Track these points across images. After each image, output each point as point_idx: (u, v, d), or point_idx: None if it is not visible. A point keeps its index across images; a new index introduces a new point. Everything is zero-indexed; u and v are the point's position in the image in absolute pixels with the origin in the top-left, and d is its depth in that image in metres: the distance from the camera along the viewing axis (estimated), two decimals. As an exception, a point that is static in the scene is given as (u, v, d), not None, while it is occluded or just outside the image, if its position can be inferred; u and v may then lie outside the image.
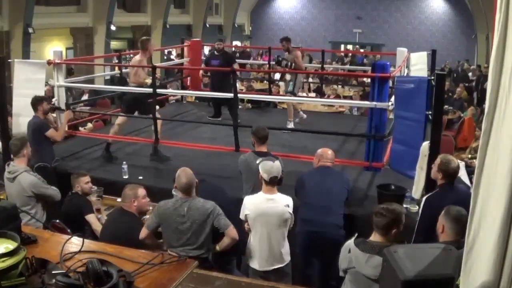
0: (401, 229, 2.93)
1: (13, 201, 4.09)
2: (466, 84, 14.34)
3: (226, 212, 3.71)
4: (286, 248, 3.86)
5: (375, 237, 2.93)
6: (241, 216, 3.87)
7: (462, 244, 2.77)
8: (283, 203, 3.77)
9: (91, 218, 4.35)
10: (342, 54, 21.41)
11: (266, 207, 3.74)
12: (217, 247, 3.64)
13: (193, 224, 3.51)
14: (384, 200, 3.91)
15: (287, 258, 3.87)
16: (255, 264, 3.83)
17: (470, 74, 16.44)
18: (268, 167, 3.81)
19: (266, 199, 3.77)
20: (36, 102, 5.49)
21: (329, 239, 3.94)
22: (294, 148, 6.25)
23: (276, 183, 3.81)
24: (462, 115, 10.13)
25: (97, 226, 4.28)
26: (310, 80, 10.44)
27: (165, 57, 16.94)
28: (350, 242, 2.93)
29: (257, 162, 3.99)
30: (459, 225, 2.93)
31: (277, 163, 3.87)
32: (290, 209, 3.78)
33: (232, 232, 3.58)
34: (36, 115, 5.48)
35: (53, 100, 6.55)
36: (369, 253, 2.81)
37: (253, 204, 3.78)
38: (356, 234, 2.99)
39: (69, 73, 11.85)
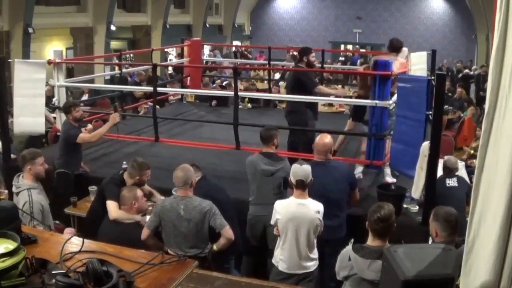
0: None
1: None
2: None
3: (225, 211, 3.71)
4: (314, 255, 3.78)
5: (373, 242, 2.92)
6: (272, 222, 3.80)
7: (458, 242, 2.79)
8: (314, 209, 3.68)
9: (110, 204, 3.99)
10: (350, 54, 21.23)
11: (297, 211, 3.66)
12: (215, 247, 3.63)
13: (190, 223, 3.51)
14: (385, 200, 3.89)
15: (315, 265, 3.79)
16: (281, 266, 3.76)
17: (471, 73, 16.43)
18: (295, 170, 3.71)
19: (297, 203, 3.68)
20: (65, 108, 5.47)
21: (324, 241, 3.89)
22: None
23: (304, 187, 3.70)
24: (462, 115, 10.12)
25: (115, 213, 3.91)
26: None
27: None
28: (349, 249, 2.91)
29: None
30: (450, 225, 2.96)
31: (305, 167, 3.74)
32: (320, 216, 3.68)
33: (227, 232, 3.56)
34: (67, 120, 5.41)
35: (53, 100, 6.56)
36: (370, 259, 2.80)
37: (283, 208, 3.71)
38: (352, 240, 2.98)
39: (69, 73, 11.85)
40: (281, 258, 3.76)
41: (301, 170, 3.69)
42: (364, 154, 5.56)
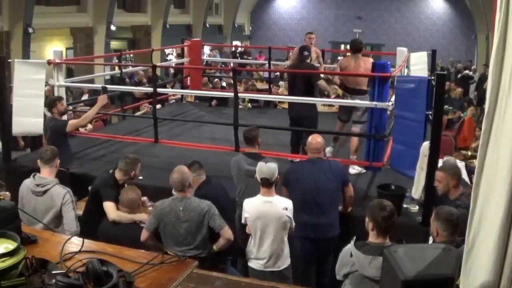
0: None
1: (40, 217, 3.65)
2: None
3: (227, 213, 3.71)
4: (286, 251, 3.81)
5: (375, 239, 2.93)
6: (242, 220, 3.84)
7: (459, 242, 2.78)
8: (280, 206, 3.72)
9: (107, 206, 3.97)
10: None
11: (264, 209, 3.71)
12: (214, 247, 3.64)
13: (189, 224, 3.51)
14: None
15: (287, 262, 3.82)
16: (254, 264, 3.81)
17: (470, 73, 16.44)
18: (259, 168, 3.77)
19: (263, 201, 3.74)
20: (50, 103, 5.45)
21: (316, 239, 3.89)
22: (294, 148, 6.23)
23: (270, 185, 3.75)
24: (462, 115, 10.12)
25: (113, 215, 3.91)
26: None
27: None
28: (351, 247, 2.92)
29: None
30: (451, 224, 2.96)
31: (270, 165, 3.81)
32: (289, 212, 3.72)
33: (227, 232, 3.57)
34: (53, 116, 5.40)
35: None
36: (372, 255, 2.81)
37: (251, 207, 3.76)
38: (354, 237, 2.99)
39: (69, 73, 11.84)
40: (251, 257, 3.80)
41: (265, 168, 3.75)
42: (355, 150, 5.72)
